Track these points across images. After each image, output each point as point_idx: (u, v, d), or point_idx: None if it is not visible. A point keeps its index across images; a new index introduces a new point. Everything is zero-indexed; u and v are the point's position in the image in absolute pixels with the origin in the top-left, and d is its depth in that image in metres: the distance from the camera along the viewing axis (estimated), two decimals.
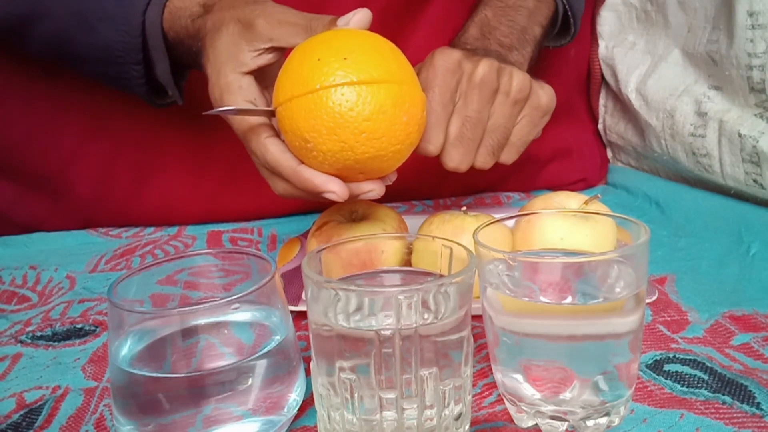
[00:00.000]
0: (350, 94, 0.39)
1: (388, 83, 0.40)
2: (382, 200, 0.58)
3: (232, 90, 0.45)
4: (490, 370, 0.41)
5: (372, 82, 0.39)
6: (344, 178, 0.43)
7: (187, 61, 0.53)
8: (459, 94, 0.49)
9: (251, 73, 0.45)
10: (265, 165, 0.45)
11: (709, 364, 0.41)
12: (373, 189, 0.44)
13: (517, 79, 0.50)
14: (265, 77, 0.47)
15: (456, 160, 0.50)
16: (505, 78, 0.50)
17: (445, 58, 0.48)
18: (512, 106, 0.50)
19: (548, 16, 0.63)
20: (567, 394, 0.34)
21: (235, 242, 0.70)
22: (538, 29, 0.61)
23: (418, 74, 0.46)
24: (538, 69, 0.60)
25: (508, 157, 0.53)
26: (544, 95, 0.52)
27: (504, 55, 0.56)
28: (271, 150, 0.43)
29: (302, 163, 0.43)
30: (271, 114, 0.43)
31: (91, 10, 0.55)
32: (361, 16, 0.43)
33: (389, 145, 0.41)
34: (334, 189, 0.42)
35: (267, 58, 0.45)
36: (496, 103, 0.50)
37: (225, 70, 0.45)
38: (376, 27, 0.71)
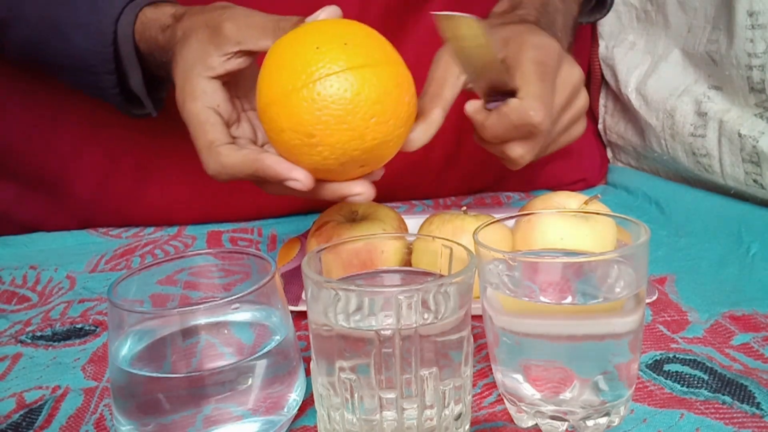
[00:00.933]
0: (357, 78, 0.38)
1: (388, 65, 0.39)
2: (382, 200, 0.58)
3: (196, 95, 0.43)
4: (490, 370, 0.41)
5: (375, 65, 0.38)
6: (342, 174, 0.41)
7: (161, 73, 0.53)
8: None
9: (219, 78, 0.44)
10: (228, 174, 0.42)
11: (709, 364, 0.41)
12: (362, 193, 0.42)
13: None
14: (237, 85, 0.46)
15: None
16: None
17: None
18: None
19: None
20: (567, 394, 0.34)
21: (235, 242, 0.70)
22: (575, 7, 0.60)
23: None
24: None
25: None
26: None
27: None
28: (224, 153, 0.41)
29: (299, 162, 0.41)
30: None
31: (64, 17, 0.54)
32: (328, 12, 0.42)
33: (395, 128, 0.40)
34: (298, 177, 0.40)
35: (236, 63, 0.44)
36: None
37: (191, 74, 0.44)
38: (376, 27, 0.71)
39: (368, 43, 0.40)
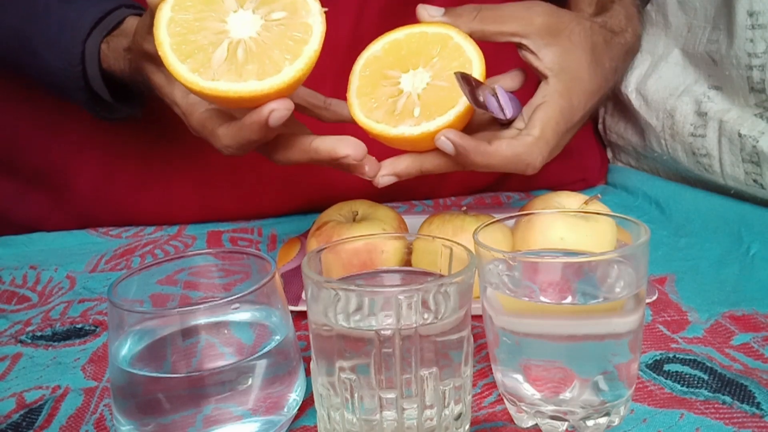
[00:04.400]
0: None
1: None
2: (382, 200, 0.58)
3: (191, 111, 0.45)
4: (490, 370, 0.41)
5: None
6: None
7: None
8: None
9: None
10: (236, 143, 0.42)
11: (709, 364, 0.41)
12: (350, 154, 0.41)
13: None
14: None
15: None
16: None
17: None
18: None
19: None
20: (567, 394, 0.34)
21: (235, 242, 0.70)
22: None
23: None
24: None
25: None
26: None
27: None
28: (221, 133, 0.42)
29: None
30: None
31: (36, 35, 0.56)
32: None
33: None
34: (273, 106, 0.38)
35: None
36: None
37: (176, 100, 0.46)
38: (375, 26, 0.71)
39: None
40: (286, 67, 0.37)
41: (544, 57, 0.47)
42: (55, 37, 0.54)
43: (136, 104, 0.61)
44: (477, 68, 0.43)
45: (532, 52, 0.47)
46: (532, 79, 0.50)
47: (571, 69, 0.47)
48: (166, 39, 0.37)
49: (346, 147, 0.41)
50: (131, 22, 0.54)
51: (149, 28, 0.41)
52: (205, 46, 0.37)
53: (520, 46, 0.47)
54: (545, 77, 0.47)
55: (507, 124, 0.48)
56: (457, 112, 0.42)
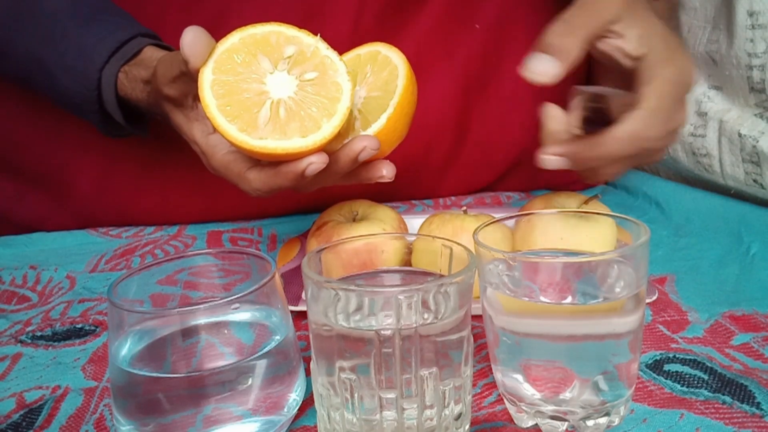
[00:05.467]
0: None
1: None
2: (382, 200, 0.58)
3: (212, 153, 0.47)
4: (490, 370, 0.41)
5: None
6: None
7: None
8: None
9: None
10: (265, 190, 0.45)
11: (709, 364, 0.41)
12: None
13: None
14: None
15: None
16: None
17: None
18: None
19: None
20: (567, 394, 0.34)
21: (235, 242, 0.70)
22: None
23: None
24: None
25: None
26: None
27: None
28: (252, 177, 0.44)
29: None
30: None
31: (52, 58, 0.56)
32: (192, 34, 0.40)
33: None
34: (311, 159, 0.41)
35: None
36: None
37: (197, 139, 0.48)
38: (374, 24, 0.71)
39: None
40: (325, 124, 0.40)
41: (630, 36, 0.42)
42: (71, 62, 0.55)
43: (146, 126, 0.62)
44: (402, 72, 0.45)
45: (619, 36, 0.42)
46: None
47: (657, 38, 0.43)
48: (212, 101, 0.40)
49: (362, 140, 0.42)
50: (149, 53, 0.54)
51: (174, 78, 0.45)
52: (250, 107, 0.40)
53: (606, 35, 0.43)
54: (637, 58, 0.42)
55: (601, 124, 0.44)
56: (388, 115, 0.44)
